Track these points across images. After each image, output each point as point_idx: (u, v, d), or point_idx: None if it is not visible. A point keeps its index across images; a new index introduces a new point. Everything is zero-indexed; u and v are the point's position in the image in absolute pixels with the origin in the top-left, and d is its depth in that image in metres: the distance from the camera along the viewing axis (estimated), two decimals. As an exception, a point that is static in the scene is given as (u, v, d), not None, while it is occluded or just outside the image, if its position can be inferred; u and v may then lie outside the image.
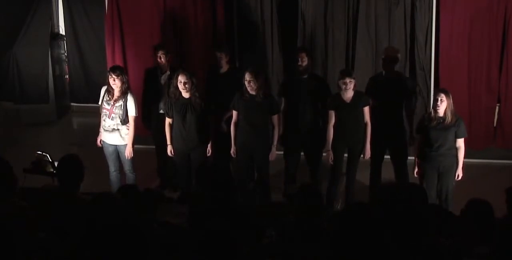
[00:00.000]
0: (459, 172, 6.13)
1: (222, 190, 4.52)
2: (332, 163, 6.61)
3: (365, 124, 6.50)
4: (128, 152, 6.61)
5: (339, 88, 6.40)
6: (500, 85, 8.02)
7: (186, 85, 6.33)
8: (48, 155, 6.25)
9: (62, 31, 10.18)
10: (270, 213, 5.24)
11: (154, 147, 7.45)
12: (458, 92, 7.39)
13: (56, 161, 5.57)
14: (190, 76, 6.35)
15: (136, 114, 6.60)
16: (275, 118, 6.50)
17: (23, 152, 7.25)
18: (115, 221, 3.39)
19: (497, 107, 8.18)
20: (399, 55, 6.74)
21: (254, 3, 8.23)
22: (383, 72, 6.68)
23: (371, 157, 6.65)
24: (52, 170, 6.16)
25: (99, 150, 6.91)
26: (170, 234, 4.21)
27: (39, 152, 6.33)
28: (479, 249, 3.67)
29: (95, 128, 7.03)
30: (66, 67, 10.30)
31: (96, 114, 6.96)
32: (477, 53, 7.88)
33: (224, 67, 7.06)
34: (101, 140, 6.71)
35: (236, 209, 4.47)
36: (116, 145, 6.67)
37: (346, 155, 6.69)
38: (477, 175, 6.67)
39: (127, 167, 6.78)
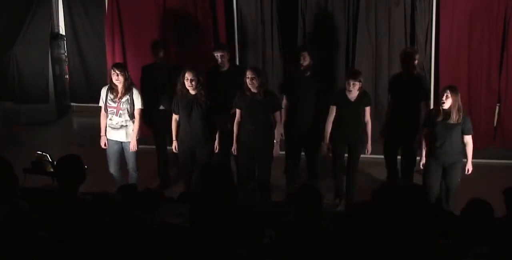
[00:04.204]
0: (469, 167, 6.19)
1: (224, 190, 4.52)
2: (324, 155, 6.66)
3: (365, 124, 6.55)
4: (132, 145, 6.65)
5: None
6: (500, 85, 8.02)
7: (193, 83, 6.37)
8: (48, 155, 6.24)
9: (62, 31, 10.19)
10: (270, 213, 5.24)
11: (153, 147, 7.45)
12: (458, 92, 7.39)
13: (56, 161, 5.57)
14: (196, 73, 6.42)
15: (142, 107, 6.68)
16: (277, 115, 6.52)
17: (23, 152, 7.23)
18: (115, 221, 3.39)
19: (497, 107, 8.19)
20: (417, 56, 6.81)
21: (254, 3, 8.24)
22: (403, 72, 6.71)
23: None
24: (52, 170, 6.15)
25: (99, 150, 6.91)
26: (170, 234, 4.21)
27: (39, 152, 6.32)
28: (479, 249, 3.67)
29: (95, 128, 7.04)
30: (66, 67, 10.31)
31: (96, 114, 6.97)
32: (477, 53, 7.89)
33: (226, 66, 7.06)
34: (105, 142, 6.74)
35: (236, 209, 4.47)
36: (122, 142, 6.71)
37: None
38: (477, 175, 6.66)
39: (131, 164, 6.82)
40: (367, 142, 6.60)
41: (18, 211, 3.83)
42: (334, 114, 6.54)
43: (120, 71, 6.54)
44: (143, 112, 6.79)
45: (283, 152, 6.92)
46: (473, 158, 6.29)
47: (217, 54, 6.95)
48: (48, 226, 4.18)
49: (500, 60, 7.93)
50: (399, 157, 6.90)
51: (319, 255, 3.87)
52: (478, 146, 7.81)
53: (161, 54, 7.21)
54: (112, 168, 6.84)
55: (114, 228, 3.15)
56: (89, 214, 3.94)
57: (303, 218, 4.22)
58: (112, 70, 6.60)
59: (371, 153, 6.74)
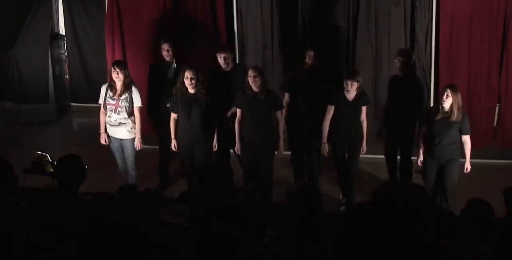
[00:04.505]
0: (468, 165, 6.21)
1: (224, 190, 4.52)
2: (326, 155, 6.66)
3: (361, 122, 6.57)
4: (137, 142, 6.71)
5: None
6: (500, 85, 8.03)
7: (193, 81, 6.40)
8: (48, 155, 6.24)
9: (62, 31, 10.19)
10: (270, 213, 5.24)
11: (154, 146, 7.45)
12: (458, 92, 7.39)
13: (56, 161, 5.57)
14: (196, 72, 6.44)
15: (142, 105, 6.74)
16: (278, 113, 6.53)
17: (23, 152, 7.24)
18: (115, 221, 3.39)
19: (497, 107, 8.19)
20: (414, 57, 6.85)
21: (254, 3, 8.24)
22: (399, 74, 6.73)
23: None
24: (52, 170, 6.15)
25: (99, 150, 6.93)
26: (170, 234, 4.21)
27: (39, 152, 6.32)
28: (479, 249, 3.67)
29: (95, 128, 7.04)
30: (66, 67, 10.31)
31: (96, 114, 6.97)
32: (477, 53, 7.89)
33: (229, 65, 7.05)
34: (105, 138, 6.79)
35: (236, 209, 4.47)
36: (121, 140, 6.76)
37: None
38: (476, 175, 6.68)
39: (129, 163, 6.87)
40: (362, 142, 6.60)
41: (18, 211, 3.83)
42: (331, 113, 6.55)
43: (120, 69, 6.59)
44: (146, 109, 6.83)
45: (288, 152, 6.94)
46: (472, 158, 6.32)
47: (221, 56, 6.94)
48: (48, 226, 4.18)
49: (500, 60, 7.93)
50: (399, 157, 6.91)
51: (319, 255, 3.86)
52: (478, 146, 7.84)
53: (168, 52, 7.17)
54: (118, 162, 6.96)
55: (114, 228, 3.15)
56: (89, 214, 3.94)
57: (303, 218, 4.22)
58: (112, 68, 6.65)
59: (370, 153, 6.77)
